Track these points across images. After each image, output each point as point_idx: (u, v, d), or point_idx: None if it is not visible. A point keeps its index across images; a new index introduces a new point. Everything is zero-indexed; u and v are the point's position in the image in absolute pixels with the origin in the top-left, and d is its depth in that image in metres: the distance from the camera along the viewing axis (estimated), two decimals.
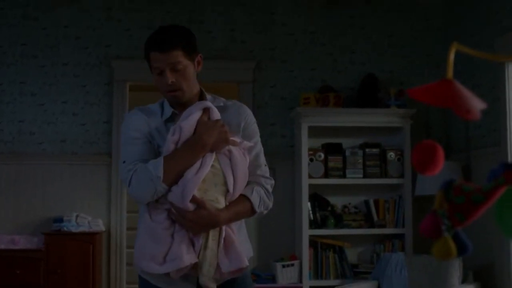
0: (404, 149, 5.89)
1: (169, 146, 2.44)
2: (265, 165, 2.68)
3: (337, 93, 5.97)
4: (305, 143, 5.77)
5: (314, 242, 5.85)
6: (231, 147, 2.49)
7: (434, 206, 1.18)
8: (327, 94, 5.93)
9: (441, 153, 1.18)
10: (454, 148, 6.08)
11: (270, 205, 2.66)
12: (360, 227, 5.93)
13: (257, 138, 2.71)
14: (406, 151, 5.85)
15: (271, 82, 6.18)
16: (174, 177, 2.39)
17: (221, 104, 2.69)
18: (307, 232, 5.75)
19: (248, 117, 2.72)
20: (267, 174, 2.67)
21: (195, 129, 2.46)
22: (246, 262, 2.48)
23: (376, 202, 5.99)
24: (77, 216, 5.72)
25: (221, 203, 2.45)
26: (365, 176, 5.93)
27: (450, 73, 1.00)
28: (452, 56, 0.97)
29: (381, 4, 6.41)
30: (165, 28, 2.61)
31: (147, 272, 2.48)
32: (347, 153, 5.92)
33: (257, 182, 2.61)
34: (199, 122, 2.47)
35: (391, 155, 5.94)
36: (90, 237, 5.65)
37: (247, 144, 2.59)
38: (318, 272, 5.87)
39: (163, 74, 2.54)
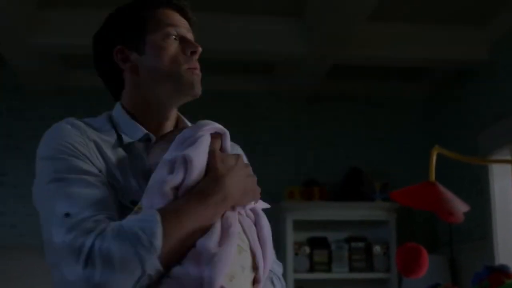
0: (390, 242, 5.83)
1: (165, 192, 1.36)
2: None
3: (322, 187, 5.96)
4: (290, 237, 5.71)
5: None
6: (256, 206, 1.55)
7: None
8: (312, 187, 5.92)
9: (425, 255, 1.16)
10: (440, 242, 6.04)
11: None
12: None
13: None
14: (392, 245, 5.80)
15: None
16: (177, 250, 1.31)
17: None
18: None
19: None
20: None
21: (207, 167, 1.44)
22: None
23: None
24: None
25: None
26: (351, 271, 5.84)
27: (432, 176, 0.99)
28: (433, 160, 0.96)
29: (362, 97, 6.49)
30: None
31: None
32: (333, 247, 5.86)
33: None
34: (212, 153, 1.46)
35: (377, 249, 5.88)
36: None
37: (264, 204, 1.61)
38: None
39: (184, 40, 1.65)
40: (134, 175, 1.52)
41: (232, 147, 1.67)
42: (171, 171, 1.38)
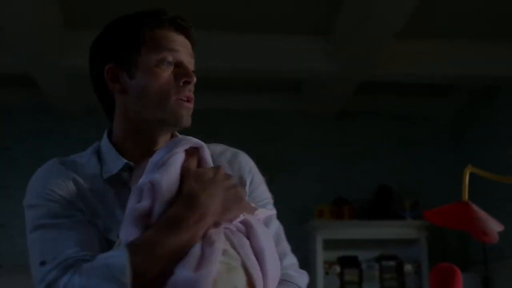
0: (422, 261, 5.77)
1: (136, 221, 1.29)
2: (291, 251, 1.62)
3: (351, 205, 5.93)
4: (320, 256, 5.67)
5: None
6: (248, 217, 1.39)
7: None
8: (342, 206, 5.89)
9: (459, 276, 1.13)
10: (472, 260, 5.96)
11: None
12: None
13: (272, 205, 1.65)
14: (423, 263, 5.74)
15: (283, 195, 6.13)
16: (152, 282, 1.23)
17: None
18: None
19: (254, 170, 1.67)
20: (297, 265, 1.60)
21: (181, 185, 1.34)
22: None
23: None
24: None
25: None
26: None
27: (465, 195, 0.98)
28: (466, 180, 0.95)
29: (390, 115, 6.45)
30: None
31: None
32: (364, 266, 5.82)
33: (286, 280, 1.50)
34: (186, 171, 1.35)
35: (408, 267, 5.82)
36: None
37: (266, 212, 1.50)
38: None
39: (179, 66, 1.51)
40: (121, 208, 1.44)
41: (237, 155, 1.66)
42: (138, 198, 1.30)
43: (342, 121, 6.40)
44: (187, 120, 1.51)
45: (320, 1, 4.56)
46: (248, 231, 1.35)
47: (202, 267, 1.21)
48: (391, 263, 5.85)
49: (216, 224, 1.31)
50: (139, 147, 1.54)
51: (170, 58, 1.48)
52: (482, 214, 1.05)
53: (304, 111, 6.33)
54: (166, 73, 1.48)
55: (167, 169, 1.32)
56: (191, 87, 1.51)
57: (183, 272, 1.20)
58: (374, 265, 5.82)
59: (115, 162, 1.52)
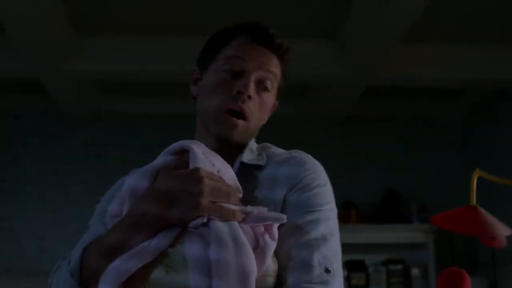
0: (429, 265, 5.76)
1: (108, 222, 1.34)
2: (329, 271, 1.35)
3: (358, 209, 5.92)
4: None
5: None
6: (217, 222, 1.21)
7: None
8: (349, 210, 5.88)
9: (467, 280, 1.13)
10: (480, 264, 5.94)
11: None
12: None
13: (320, 214, 1.42)
14: (430, 267, 5.72)
15: None
16: (98, 276, 1.20)
17: (261, 163, 1.53)
18: None
19: (304, 175, 1.52)
20: (324, 283, 1.32)
21: None
22: None
23: None
24: None
25: None
26: None
27: (473, 200, 0.98)
28: (474, 184, 0.95)
29: (398, 119, 6.44)
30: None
31: None
32: (370, 270, 5.81)
33: None
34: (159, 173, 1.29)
35: (415, 271, 5.82)
36: None
37: (272, 216, 1.29)
38: None
39: (243, 76, 1.47)
40: None
41: (294, 159, 1.58)
42: (115, 201, 1.33)
43: (349, 125, 6.40)
44: (228, 133, 1.46)
45: (328, 6, 4.56)
46: (212, 235, 1.18)
47: (132, 260, 1.17)
48: (398, 267, 5.85)
49: (174, 224, 1.22)
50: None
51: (234, 67, 1.47)
52: (490, 218, 1.05)
53: (311, 115, 6.32)
54: (223, 80, 1.47)
55: (141, 172, 1.31)
56: (245, 98, 1.45)
57: (115, 262, 1.19)
58: (381, 269, 5.82)
59: None
